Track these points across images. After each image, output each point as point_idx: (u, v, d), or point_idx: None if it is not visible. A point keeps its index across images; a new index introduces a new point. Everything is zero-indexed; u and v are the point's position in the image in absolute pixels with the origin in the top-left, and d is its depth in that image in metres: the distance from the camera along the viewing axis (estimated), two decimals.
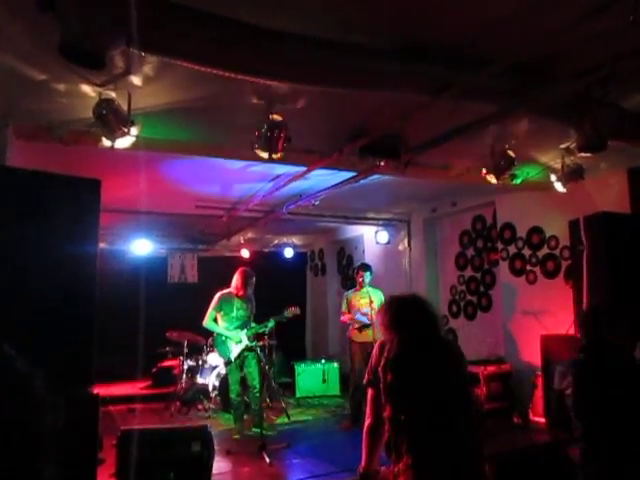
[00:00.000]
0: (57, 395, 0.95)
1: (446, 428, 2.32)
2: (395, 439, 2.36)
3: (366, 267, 6.80)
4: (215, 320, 6.29)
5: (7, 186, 2.95)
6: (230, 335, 6.18)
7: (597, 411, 2.66)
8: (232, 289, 6.30)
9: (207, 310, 6.28)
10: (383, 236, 8.76)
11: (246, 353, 6.17)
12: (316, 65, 3.00)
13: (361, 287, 6.64)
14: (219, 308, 6.26)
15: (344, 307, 6.76)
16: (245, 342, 6.18)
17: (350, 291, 6.93)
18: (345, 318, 6.69)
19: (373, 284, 6.80)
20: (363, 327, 6.45)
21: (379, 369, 2.46)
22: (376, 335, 6.01)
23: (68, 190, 3.17)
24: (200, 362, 7.59)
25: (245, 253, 9.60)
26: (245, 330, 6.24)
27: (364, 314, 6.46)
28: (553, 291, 6.17)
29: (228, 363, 6.21)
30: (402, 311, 2.55)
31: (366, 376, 2.63)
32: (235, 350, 6.15)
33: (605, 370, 2.73)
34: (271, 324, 6.57)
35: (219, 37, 2.72)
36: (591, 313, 2.98)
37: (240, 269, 6.43)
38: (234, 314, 6.26)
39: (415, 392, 2.37)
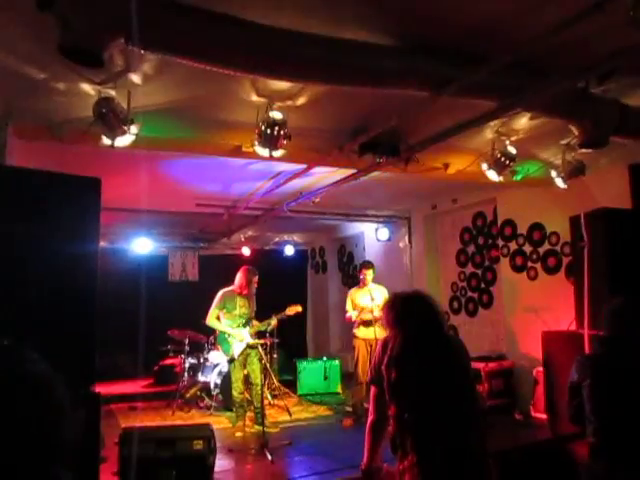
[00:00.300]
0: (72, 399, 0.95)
1: (450, 425, 2.32)
2: (400, 437, 2.36)
3: (368, 264, 6.81)
4: (217, 318, 6.31)
5: (7, 185, 2.95)
6: (233, 333, 6.19)
7: (612, 407, 2.65)
8: (235, 287, 6.32)
9: (209, 308, 6.30)
10: (384, 233, 8.75)
11: (249, 350, 6.20)
12: (318, 62, 2.99)
13: (365, 285, 6.64)
14: (222, 306, 6.28)
15: (348, 305, 6.76)
16: (248, 339, 6.20)
17: (354, 289, 6.93)
18: (349, 316, 6.68)
19: (375, 281, 6.80)
20: (369, 324, 6.44)
21: (382, 367, 2.46)
22: (378, 332, 6.03)
23: (68, 189, 3.15)
24: (201, 360, 7.60)
25: (246, 251, 9.60)
26: (248, 328, 6.26)
27: (368, 311, 6.47)
28: (554, 287, 6.17)
29: (232, 360, 6.22)
30: (405, 308, 2.55)
31: (369, 374, 2.62)
32: (238, 348, 6.17)
33: (623, 366, 2.71)
34: (273, 322, 6.59)
35: (219, 34, 2.72)
36: (616, 307, 2.94)
37: (243, 267, 6.44)
38: (237, 312, 6.28)
39: (419, 389, 2.37)
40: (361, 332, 6.52)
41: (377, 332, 6.08)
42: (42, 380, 0.91)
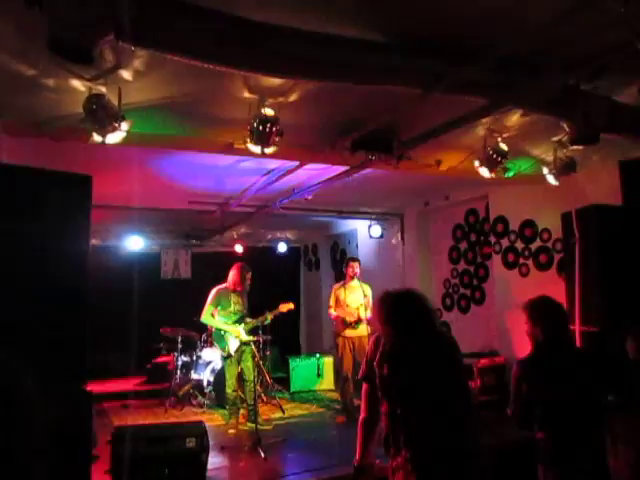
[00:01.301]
0: (48, 393, 0.94)
1: (443, 421, 2.33)
2: (393, 434, 2.37)
3: (355, 258, 6.91)
4: (212, 315, 6.31)
5: None
6: (229, 329, 6.19)
7: (550, 409, 2.67)
8: (229, 284, 6.32)
9: (202, 306, 6.29)
10: (376, 230, 8.76)
11: (243, 347, 6.20)
12: (311, 59, 2.98)
13: (352, 279, 6.64)
14: (217, 303, 6.27)
15: (332, 301, 6.74)
16: (243, 336, 6.21)
17: (338, 285, 6.91)
18: (335, 314, 6.64)
19: (366, 278, 6.81)
20: (357, 321, 6.44)
21: (374, 363, 2.47)
22: (364, 330, 6.06)
23: (59, 186, 3.14)
24: (194, 358, 7.59)
25: (239, 248, 9.59)
26: (243, 324, 6.26)
27: (355, 308, 6.47)
28: (546, 284, 6.18)
29: (228, 357, 6.22)
30: (397, 306, 2.55)
31: (361, 371, 2.63)
32: (234, 344, 6.17)
33: (557, 368, 2.72)
34: (269, 319, 6.59)
35: (211, 30, 2.70)
36: (547, 307, 2.92)
37: (237, 264, 6.44)
38: (231, 309, 6.28)
39: (411, 386, 2.38)
40: (341, 330, 6.53)
41: (363, 330, 6.13)
42: (10, 376, 0.91)
